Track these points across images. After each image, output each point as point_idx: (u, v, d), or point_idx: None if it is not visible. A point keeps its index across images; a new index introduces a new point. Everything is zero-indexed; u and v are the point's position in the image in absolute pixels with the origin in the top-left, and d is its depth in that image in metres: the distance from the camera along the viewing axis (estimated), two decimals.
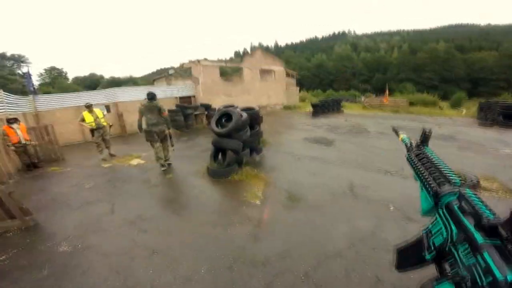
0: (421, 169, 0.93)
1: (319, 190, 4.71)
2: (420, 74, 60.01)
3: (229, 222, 3.74)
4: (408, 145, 1.16)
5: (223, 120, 6.17)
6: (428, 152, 0.98)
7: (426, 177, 0.87)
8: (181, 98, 15.01)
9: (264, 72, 19.99)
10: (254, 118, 6.91)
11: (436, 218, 0.79)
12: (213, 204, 4.37)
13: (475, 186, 4.23)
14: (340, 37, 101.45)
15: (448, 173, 0.80)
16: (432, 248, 0.79)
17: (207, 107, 13.50)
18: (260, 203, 4.30)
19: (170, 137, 6.45)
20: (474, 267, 0.60)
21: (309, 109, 16.67)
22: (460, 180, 0.74)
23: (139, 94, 12.91)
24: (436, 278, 0.76)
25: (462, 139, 8.73)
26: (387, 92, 24.89)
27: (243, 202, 4.35)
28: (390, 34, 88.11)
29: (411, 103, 23.79)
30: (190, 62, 16.26)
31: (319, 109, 16.80)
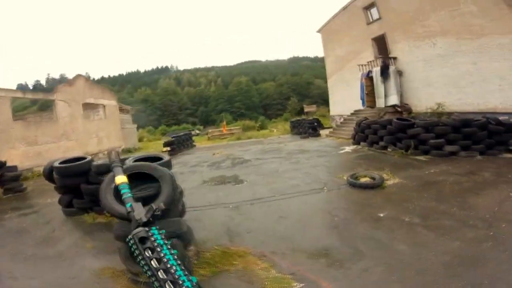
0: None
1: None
2: (233, 104, 72.32)
3: None
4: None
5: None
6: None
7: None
8: None
9: (90, 108, 15.17)
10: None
11: None
12: None
13: None
14: (163, 71, 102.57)
15: None
16: None
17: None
18: None
19: None
20: None
21: (163, 149, 14.23)
22: None
23: None
24: None
25: (308, 149, 10.89)
26: (224, 122, 27.38)
27: None
28: (207, 70, 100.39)
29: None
30: None
31: (176, 147, 14.80)
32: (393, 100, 13.34)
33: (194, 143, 18.11)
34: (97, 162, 4.40)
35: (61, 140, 12.50)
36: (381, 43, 14.55)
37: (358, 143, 10.53)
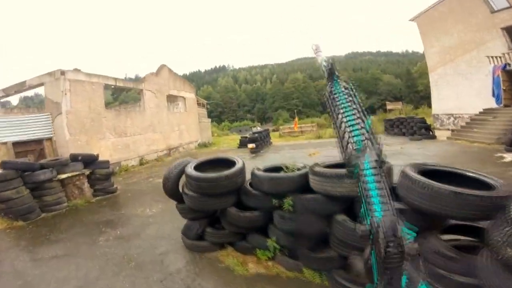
0: None
1: None
2: (289, 101, 69.61)
3: None
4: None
5: None
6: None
7: None
8: (17, 144, 7.30)
9: (170, 100, 14.41)
10: None
11: None
12: None
13: None
14: (221, 70, 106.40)
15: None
16: None
17: (89, 160, 6.59)
18: None
19: None
20: None
21: (249, 146, 12.52)
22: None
23: None
24: None
25: (445, 155, 8.76)
26: (296, 119, 25.19)
27: None
28: (261, 67, 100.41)
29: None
30: (45, 75, 8.66)
31: (259, 144, 13.02)
32: None
33: (271, 140, 16.22)
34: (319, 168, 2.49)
35: (147, 132, 11.76)
36: None
37: None
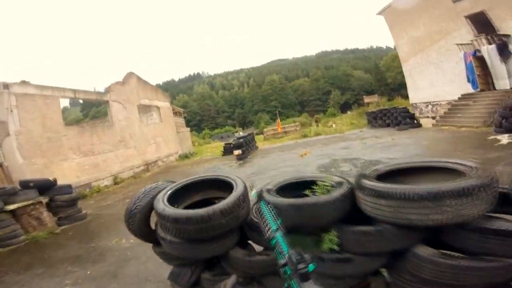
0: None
1: None
2: (268, 103, 69.74)
3: None
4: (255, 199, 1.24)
5: None
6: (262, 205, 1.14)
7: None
8: None
9: (143, 111, 13.21)
10: None
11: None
12: None
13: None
14: (196, 78, 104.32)
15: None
16: None
17: (44, 185, 5.36)
18: None
19: None
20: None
21: (235, 153, 11.62)
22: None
23: None
24: None
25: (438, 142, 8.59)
26: (278, 120, 24.95)
27: None
28: (237, 72, 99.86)
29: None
30: None
31: (246, 149, 12.21)
32: None
33: (256, 144, 15.46)
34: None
35: (119, 148, 10.50)
36: (479, 21, 12.85)
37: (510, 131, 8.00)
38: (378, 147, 9.13)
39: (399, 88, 58.66)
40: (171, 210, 1.67)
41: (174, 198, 1.96)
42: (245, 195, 1.80)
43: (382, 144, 9.69)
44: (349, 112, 45.22)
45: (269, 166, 8.96)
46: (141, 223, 1.96)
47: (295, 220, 1.58)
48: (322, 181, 1.88)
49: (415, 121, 13.30)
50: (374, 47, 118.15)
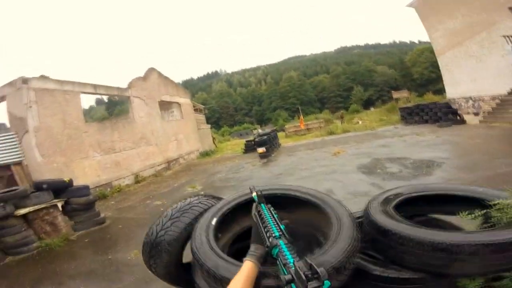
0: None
1: None
2: (286, 100, 68.40)
3: None
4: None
5: None
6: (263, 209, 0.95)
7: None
8: None
9: (164, 108, 12.82)
10: None
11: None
12: None
13: None
14: (214, 76, 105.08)
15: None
16: None
17: (58, 187, 4.91)
18: None
19: None
20: None
21: (259, 151, 10.91)
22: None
23: None
24: None
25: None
26: (301, 117, 24.09)
27: None
28: (254, 69, 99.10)
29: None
30: (5, 86, 7.03)
31: (269, 147, 11.47)
32: None
33: (279, 142, 14.66)
34: None
35: (140, 145, 10.12)
36: None
37: None
38: (423, 145, 8.05)
39: (427, 83, 55.47)
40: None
41: (220, 223, 1.25)
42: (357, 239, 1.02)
43: (426, 142, 8.57)
44: (372, 109, 43.10)
45: (297, 165, 8.15)
46: (170, 264, 1.25)
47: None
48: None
49: (459, 117, 11.89)
50: (397, 42, 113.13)
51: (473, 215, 1.07)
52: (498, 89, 12.68)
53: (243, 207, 1.35)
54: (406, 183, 4.65)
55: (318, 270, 0.54)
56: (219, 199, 1.46)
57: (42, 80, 7.00)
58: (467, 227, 1.19)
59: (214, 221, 1.16)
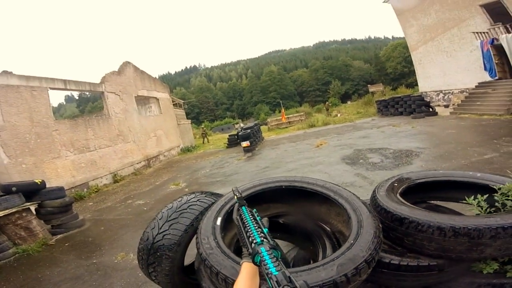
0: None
1: None
2: (267, 94, 68.65)
3: None
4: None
5: None
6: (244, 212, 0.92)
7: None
8: None
9: (141, 103, 12.27)
10: None
11: None
12: None
13: None
14: (193, 71, 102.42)
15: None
16: None
17: (29, 189, 4.54)
18: None
19: None
20: None
21: (244, 145, 10.80)
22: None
23: None
24: None
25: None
26: (283, 110, 24.45)
27: None
28: (234, 64, 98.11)
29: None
30: None
31: (253, 141, 11.44)
32: None
33: (263, 135, 14.68)
34: None
35: (117, 143, 9.63)
36: (495, 10, 12.47)
37: None
38: (400, 136, 8.40)
39: (400, 77, 58.02)
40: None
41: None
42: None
43: (403, 132, 8.95)
44: (349, 102, 44.47)
45: (283, 158, 8.19)
46: (173, 267, 1.15)
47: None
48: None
49: (431, 109, 12.54)
50: (372, 37, 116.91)
51: (477, 200, 1.09)
52: (466, 83, 13.44)
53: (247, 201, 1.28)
54: (389, 172, 4.83)
55: (298, 283, 0.51)
56: (218, 195, 1.37)
57: (4, 75, 6.36)
58: (467, 213, 1.21)
59: (219, 221, 1.08)
